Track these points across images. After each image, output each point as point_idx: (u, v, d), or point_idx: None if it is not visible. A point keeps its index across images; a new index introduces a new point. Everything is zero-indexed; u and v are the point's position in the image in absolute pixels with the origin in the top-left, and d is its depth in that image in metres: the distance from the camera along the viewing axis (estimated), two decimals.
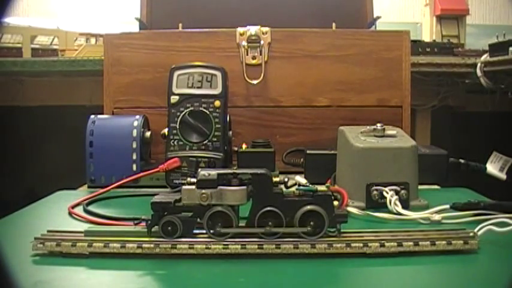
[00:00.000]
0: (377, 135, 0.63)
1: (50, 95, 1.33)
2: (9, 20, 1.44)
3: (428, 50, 1.31)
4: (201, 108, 0.71)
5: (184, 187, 0.43)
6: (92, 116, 0.78)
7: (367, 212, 0.55)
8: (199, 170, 0.44)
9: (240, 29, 0.87)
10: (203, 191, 0.43)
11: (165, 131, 0.72)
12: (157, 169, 0.69)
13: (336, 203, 0.47)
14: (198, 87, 0.72)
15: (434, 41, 1.44)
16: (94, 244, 0.43)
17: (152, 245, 0.43)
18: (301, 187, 0.45)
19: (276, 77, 0.88)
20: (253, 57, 0.87)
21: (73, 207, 0.60)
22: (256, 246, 0.43)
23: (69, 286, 0.39)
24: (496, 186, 0.71)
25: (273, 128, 0.88)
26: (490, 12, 2.68)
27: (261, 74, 0.87)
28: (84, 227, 0.46)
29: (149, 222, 0.44)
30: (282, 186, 0.45)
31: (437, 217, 0.53)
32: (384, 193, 0.57)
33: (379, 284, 0.40)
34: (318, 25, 0.91)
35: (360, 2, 1.02)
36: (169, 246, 0.43)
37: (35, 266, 0.42)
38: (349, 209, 0.55)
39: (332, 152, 0.70)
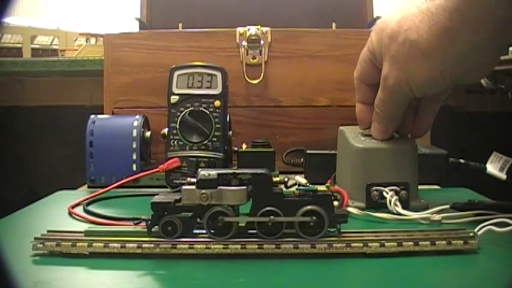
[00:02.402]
0: None
1: (50, 95, 1.33)
2: (9, 20, 1.43)
3: None
4: (201, 108, 0.71)
5: (184, 187, 0.43)
6: (92, 116, 0.78)
7: (367, 212, 0.55)
8: (199, 170, 0.44)
9: (240, 29, 0.87)
10: (203, 191, 0.43)
11: (165, 131, 0.72)
12: (157, 169, 0.69)
13: (336, 203, 0.47)
14: (198, 87, 0.72)
15: None
16: (94, 244, 0.43)
17: (152, 245, 0.43)
18: (301, 187, 0.45)
19: (276, 77, 0.88)
20: (253, 57, 0.87)
21: (73, 207, 0.60)
22: (256, 246, 0.43)
23: (69, 286, 0.39)
24: (496, 186, 0.71)
25: (273, 128, 0.88)
26: None
27: (261, 74, 0.87)
28: (84, 227, 0.46)
29: (149, 222, 0.44)
30: (282, 186, 0.45)
31: (437, 217, 0.53)
32: (384, 193, 0.57)
33: (379, 284, 0.40)
34: (318, 25, 0.91)
35: (360, 2, 1.02)
36: (169, 246, 0.43)
37: (35, 266, 0.42)
38: (349, 209, 0.55)
39: (332, 152, 0.70)
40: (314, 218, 0.43)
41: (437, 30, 0.48)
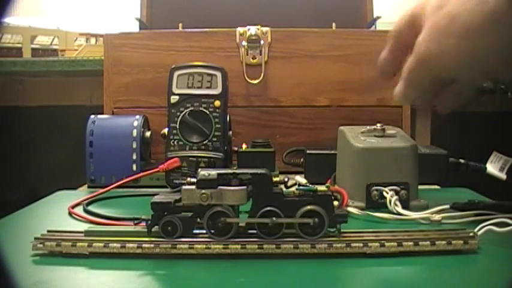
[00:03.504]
0: (377, 135, 0.63)
1: (50, 95, 1.33)
2: (9, 20, 1.43)
3: None
4: (201, 108, 0.71)
5: (184, 187, 0.43)
6: (92, 116, 0.78)
7: (367, 212, 0.55)
8: (199, 170, 0.44)
9: (240, 29, 0.87)
10: (203, 191, 0.43)
11: (165, 131, 0.72)
12: (157, 169, 0.69)
13: (336, 203, 0.47)
14: (198, 87, 0.72)
15: None
16: (94, 244, 0.43)
17: (152, 245, 0.43)
18: (301, 187, 0.45)
19: (276, 77, 0.88)
20: (253, 57, 0.87)
21: (73, 207, 0.60)
22: (256, 246, 0.43)
23: (69, 286, 0.39)
24: (496, 186, 0.71)
25: (273, 128, 0.88)
26: None
27: (261, 74, 0.87)
28: (84, 227, 0.46)
29: (149, 222, 0.44)
30: (282, 186, 0.45)
31: (437, 217, 0.53)
32: (384, 193, 0.57)
33: (379, 284, 0.40)
34: (318, 25, 0.91)
35: (360, 2, 1.02)
36: (169, 246, 0.43)
37: (35, 266, 0.42)
38: (349, 209, 0.55)
39: (332, 152, 0.70)
40: (316, 219, 0.43)
41: (483, 12, 0.46)
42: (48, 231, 0.45)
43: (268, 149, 0.76)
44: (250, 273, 0.41)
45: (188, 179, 0.44)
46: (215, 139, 0.70)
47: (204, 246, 0.43)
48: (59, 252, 0.43)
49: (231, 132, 0.77)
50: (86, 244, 0.43)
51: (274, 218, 0.43)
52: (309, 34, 0.88)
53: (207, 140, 0.70)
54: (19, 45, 1.48)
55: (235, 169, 0.44)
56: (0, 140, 1.42)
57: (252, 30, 0.87)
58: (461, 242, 0.43)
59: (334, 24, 0.94)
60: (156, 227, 0.43)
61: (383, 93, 0.87)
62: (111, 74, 0.88)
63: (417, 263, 0.42)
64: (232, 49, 0.87)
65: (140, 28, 0.99)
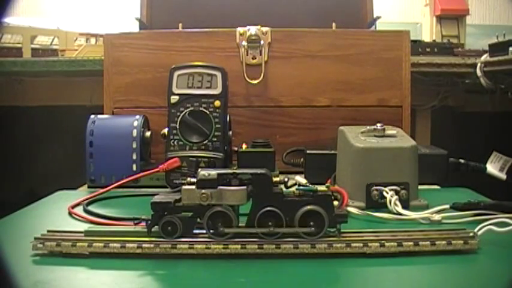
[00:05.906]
0: (377, 135, 0.63)
1: (50, 95, 1.33)
2: (9, 20, 1.43)
3: (428, 50, 1.31)
4: (201, 108, 0.71)
5: (184, 187, 0.43)
6: (92, 116, 0.78)
7: (367, 212, 0.55)
8: (199, 170, 0.44)
9: (240, 29, 0.87)
10: (203, 191, 0.43)
11: (165, 131, 0.72)
12: (157, 169, 0.69)
13: (336, 203, 0.47)
14: (198, 87, 0.72)
15: (434, 41, 1.44)
16: (94, 244, 0.43)
17: (152, 245, 0.43)
18: (301, 187, 0.45)
19: (276, 77, 0.88)
20: (253, 57, 0.87)
21: (73, 207, 0.60)
22: (256, 246, 0.43)
23: (69, 286, 0.39)
24: (496, 186, 0.71)
25: (273, 128, 0.88)
26: (490, 12, 2.68)
27: (261, 74, 0.87)
28: (84, 227, 0.46)
29: (149, 222, 0.44)
30: (282, 186, 0.45)
31: (437, 217, 0.53)
32: (384, 193, 0.57)
33: (379, 284, 0.40)
34: (318, 25, 0.91)
35: (360, 2, 1.02)
36: (169, 246, 0.43)
37: (35, 266, 0.42)
38: (349, 209, 0.55)
39: (332, 152, 0.70)
40: (313, 229, 0.43)
41: None
42: (48, 231, 0.45)
43: (268, 149, 0.76)
44: (250, 273, 0.41)
45: (188, 179, 0.44)
46: (215, 139, 0.70)
47: (204, 246, 0.43)
48: (59, 252, 0.43)
49: (231, 132, 0.77)
50: (86, 244, 0.43)
51: (272, 228, 0.43)
52: (309, 34, 0.88)
53: (207, 140, 0.70)
54: (19, 45, 1.48)
55: (235, 169, 0.44)
56: (0, 140, 1.42)
57: (252, 30, 0.87)
58: (461, 242, 0.43)
59: (334, 24, 0.94)
60: (156, 227, 0.43)
61: (383, 93, 0.87)
62: (111, 74, 0.88)
63: (417, 263, 0.42)
64: (232, 49, 0.87)
65: (140, 28, 0.99)
